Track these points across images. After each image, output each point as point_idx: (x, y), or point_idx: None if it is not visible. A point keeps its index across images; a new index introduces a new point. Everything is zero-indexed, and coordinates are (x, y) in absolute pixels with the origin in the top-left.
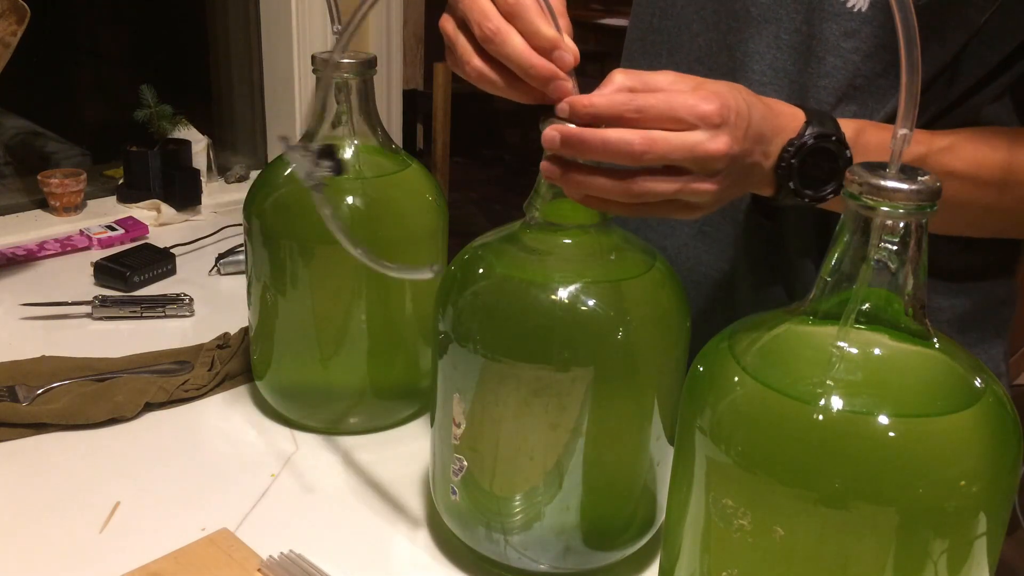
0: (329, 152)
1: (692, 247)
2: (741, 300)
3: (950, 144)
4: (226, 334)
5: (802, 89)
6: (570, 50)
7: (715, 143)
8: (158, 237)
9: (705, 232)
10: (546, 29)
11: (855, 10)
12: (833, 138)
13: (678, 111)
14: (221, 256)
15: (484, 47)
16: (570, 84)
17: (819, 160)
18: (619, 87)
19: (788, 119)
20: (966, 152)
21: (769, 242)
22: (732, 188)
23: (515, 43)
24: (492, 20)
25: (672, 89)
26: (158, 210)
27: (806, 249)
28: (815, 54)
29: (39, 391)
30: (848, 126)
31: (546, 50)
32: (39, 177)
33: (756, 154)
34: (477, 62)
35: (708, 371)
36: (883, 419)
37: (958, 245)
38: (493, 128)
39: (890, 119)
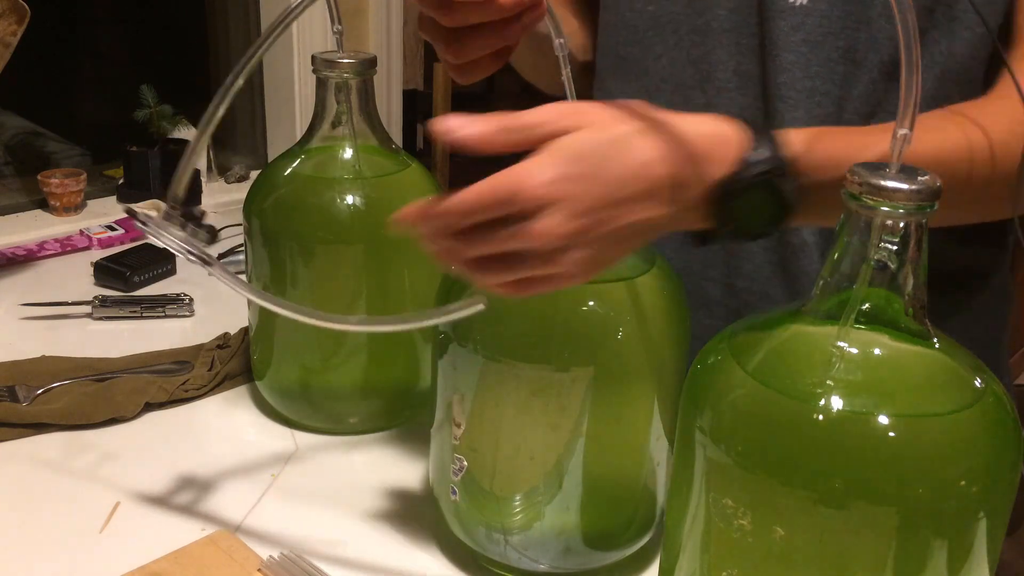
0: (197, 216)
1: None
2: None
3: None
4: (226, 334)
5: (765, 89)
6: None
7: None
8: None
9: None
10: None
11: (797, 4)
12: (771, 171)
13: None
14: (221, 256)
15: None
16: None
17: (759, 195)
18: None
19: (717, 150)
20: (925, 141)
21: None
22: (611, 249)
23: None
24: None
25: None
26: (158, 210)
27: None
28: (770, 53)
29: (39, 391)
30: (799, 137)
31: None
32: (39, 177)
33: (634, 212)
34: (449, 60)
35: (708, 371)
36: (883, 419)
37: (953, 239)
38: None
39: (864, 105)
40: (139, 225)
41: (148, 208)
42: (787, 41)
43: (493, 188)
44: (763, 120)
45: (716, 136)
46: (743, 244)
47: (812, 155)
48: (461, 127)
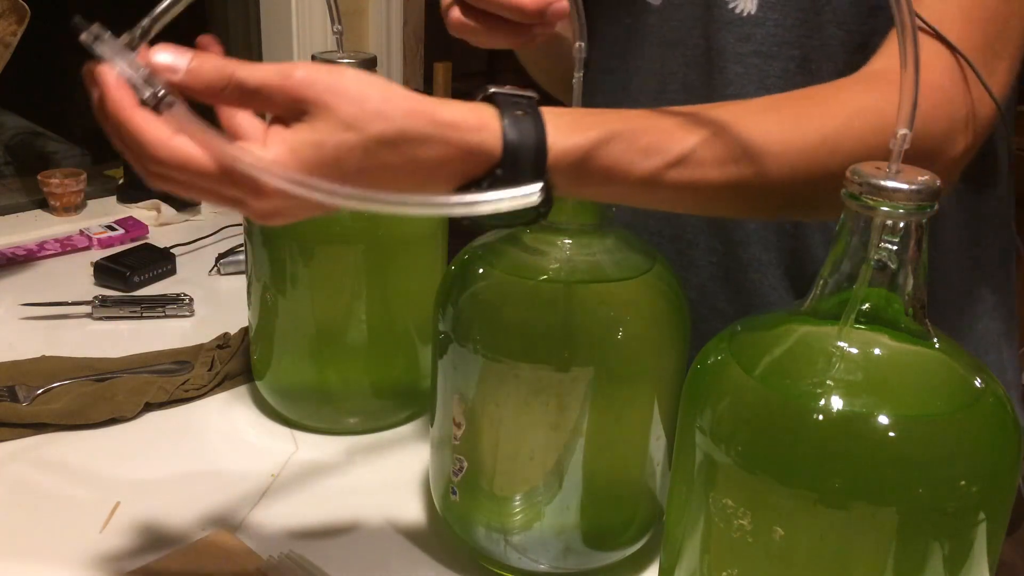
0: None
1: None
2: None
3: (699, 142)
4: (226, 334)
5: (711, 102)
6: None
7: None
8: (158, 237)
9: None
10: None
11: (744, 15)
12: (515, 206)
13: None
14: (221, 256)
15: None
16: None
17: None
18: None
19: (458, 165)
20: (720, 142)
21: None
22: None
23: None
24: None
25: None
26: (158, 210)
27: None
28: (716, 65)
29: (39, 391)
30: (583, 139)
31: None
32: (39, 177)
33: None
34: (455, 12)
35: (708, 371)
36: (883, 419)
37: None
38: None
39: None
40: (97, 46)
41: (148, 208)
42: (735, 52)
43: (222, 167)
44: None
45: (471, 153)
46: (687, 256)
47: (590, 163)
48: (173, 66)
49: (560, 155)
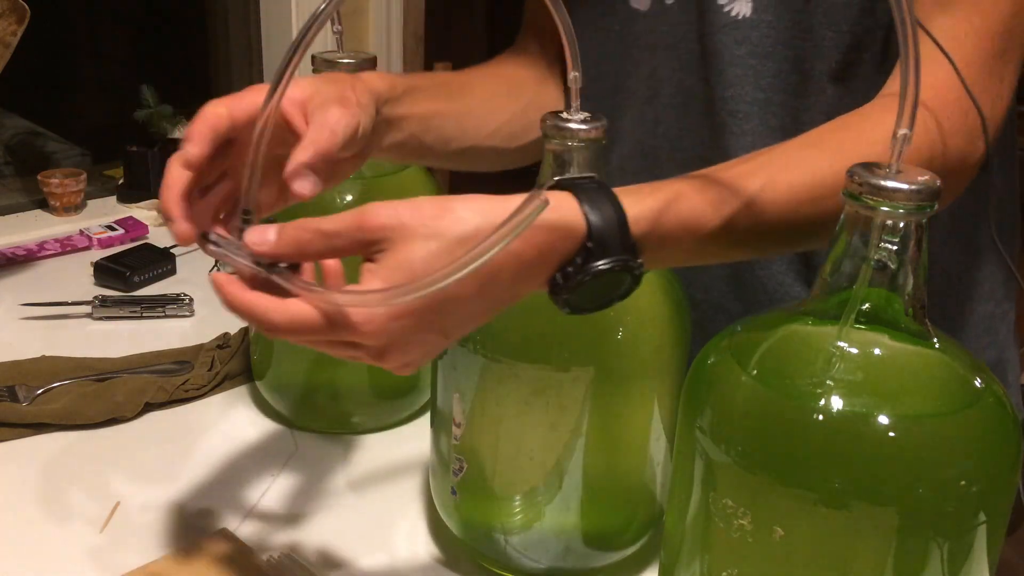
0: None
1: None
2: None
3: (761, 186)
4: (226, 334)
5: (710, 104)
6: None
7: (379, 363)
8: (158, 237)
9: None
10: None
11: (740, 17)
12: (615, 267)
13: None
14: None
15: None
16: (181, 227)
17: (599, 286)
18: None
19: (558, 246)
20: (782, 183)
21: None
22: (443, 348)
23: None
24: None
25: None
26: (158, 210)
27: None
28: (714, 68)
29: (39, 391)
30: (648, 207)
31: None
32: (39, 177)
33: (470, 323)
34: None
35: (708, 371)
36: (883, 419)
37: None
38: None
39: (819, 114)
40: (212, 249)
41: (148, 208)
42: (732, 55)
43: (332, 320)
44: (708, 138)
45: (556, 229)
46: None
47: (664, 225)
48: (263, 240)
49: (638, 218)
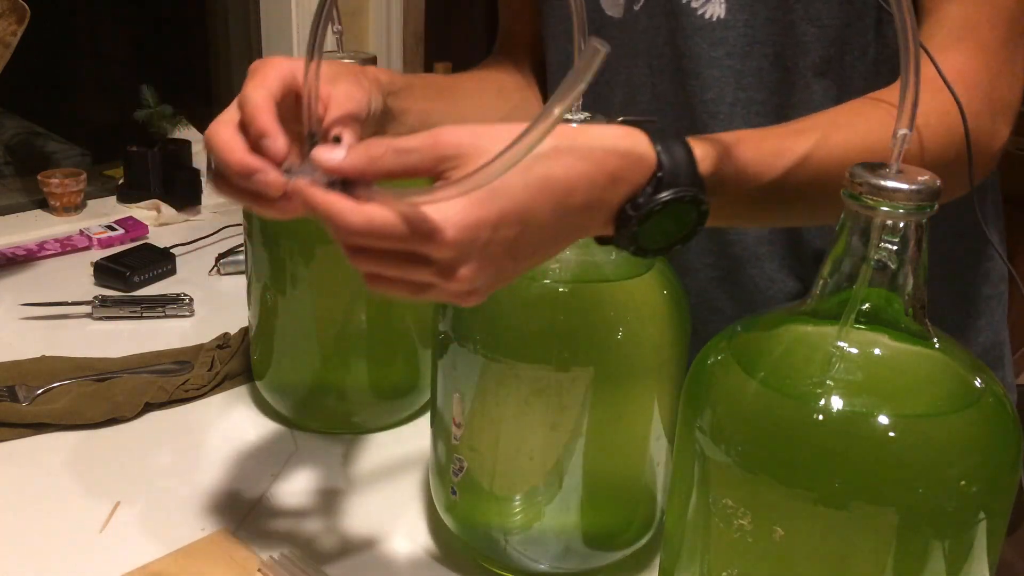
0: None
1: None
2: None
3: (815, 143)
4: (226, 334)
5: (688, 108)
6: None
7: (448, 284)
8: (158, 237)
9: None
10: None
11: (714, 19)
12: (686, 196)
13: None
14: (221, 256)
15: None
16: (271, 176)
17: (667, 219)
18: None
19: (630, 172)
20: (836, 141)
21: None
22: (514, 274)
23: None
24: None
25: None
26: (158, 210)
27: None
28: (690, 72)
29: (39, 391)
30: (712, 150)
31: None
32: (39, 177)
33: (546, 247)
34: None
35: (708, 371)
36: (883, 419)
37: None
38: None
39: (804, 109)
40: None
41: (148, 208)
42: (709, 57)
43: (410, 222)
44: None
45: (628, 155)
46: (682, 259)
47: (725, 169)
48: (334, 155)
49: (703, 157)
